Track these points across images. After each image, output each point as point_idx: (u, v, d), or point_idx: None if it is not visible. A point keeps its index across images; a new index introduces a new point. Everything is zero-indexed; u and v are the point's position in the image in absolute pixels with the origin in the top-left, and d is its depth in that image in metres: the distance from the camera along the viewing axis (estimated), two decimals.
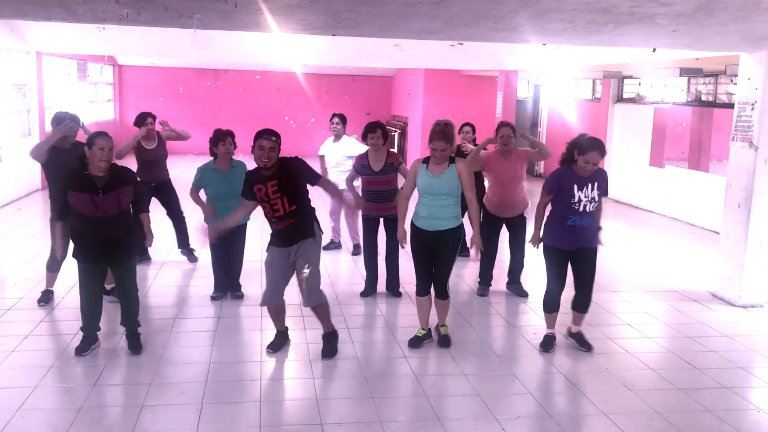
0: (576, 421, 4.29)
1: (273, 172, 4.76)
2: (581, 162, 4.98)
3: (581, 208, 5.05)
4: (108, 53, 15.42)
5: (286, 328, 5.29)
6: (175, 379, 4.68)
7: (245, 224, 6.28)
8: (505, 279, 6.90)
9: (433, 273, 5.30)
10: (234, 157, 6.23)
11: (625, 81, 13.11)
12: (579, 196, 5.03)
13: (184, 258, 7.67)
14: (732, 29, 5.07)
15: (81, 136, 5.92)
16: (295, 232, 4.87)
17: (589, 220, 5.11)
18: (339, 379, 4.77)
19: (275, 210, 4.78)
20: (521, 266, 6.78)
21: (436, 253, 5.23)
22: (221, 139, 6.07)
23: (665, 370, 5.07)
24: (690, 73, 10.74)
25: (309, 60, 13.75)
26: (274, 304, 5.08)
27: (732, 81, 10.09)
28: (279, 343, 5.20)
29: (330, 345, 5.15)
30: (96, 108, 17.10)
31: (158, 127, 7.49)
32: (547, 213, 5.32)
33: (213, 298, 6.34)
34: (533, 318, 6.26)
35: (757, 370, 5.20)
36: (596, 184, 5.06)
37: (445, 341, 5.40)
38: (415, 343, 5.36)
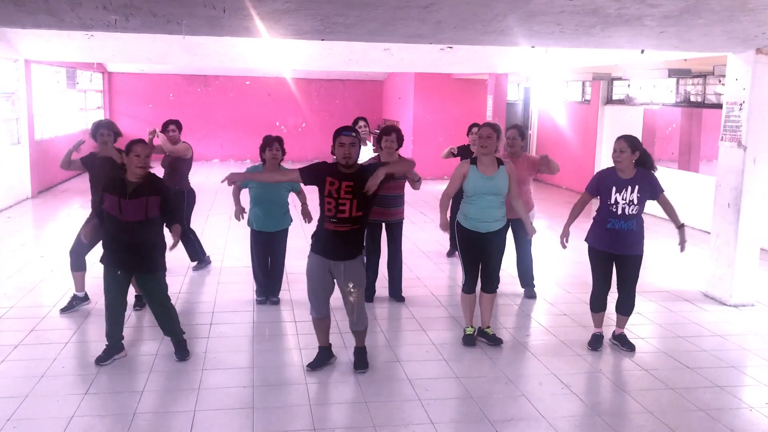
0: (569, 422, 4.29)
1: (352, 173, 4.58)
2: (612, 154, 5.09)
3: (619, 211, 5.07)
4: (97, 60, 15.38)
5: (329, 344, 5.05)
6: (167, 387, 4.66)
7: (287, 229, 6.28)
8: (504, 282, 6.92)
9: (483, 269, 5.41)
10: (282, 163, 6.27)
11: (615, 83, 13.17)
12: (616, 198, 5.07)
13: (179, 265, 7.61)
14: (719, 30, 5.10)
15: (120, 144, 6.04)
16: (348, 242, 4.64)
17: (631, 225, 5.10)
18: (332, 384, 4.76)
19: (340, 210, 4.54)
20: (531, 268, 6.79)
21: (485, 251, 5.34)
22: (268, 145, 6.12)
23: (658, 370, 5.08)
24: (678, 74, 10.80)
25: (299, 65, 13.75)
26: (319, 316, 4.87)
27: (720, 81, 10.15)
28: (320, 361, 4.96)
29: (364, 358, 4.99)
30: (86, 115, 17.03)
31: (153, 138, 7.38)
32: (593, 216, 5.36)
33: (259, 302, 6.36)
34: (526, 320, 6.27)
35: (749, 369, 5.22)
36: (638, 187, 5.06)
37: (495, 339, 5.47)
38: (469, 341, 5.42)
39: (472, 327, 5.51)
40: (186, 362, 5.05)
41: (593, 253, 5.36)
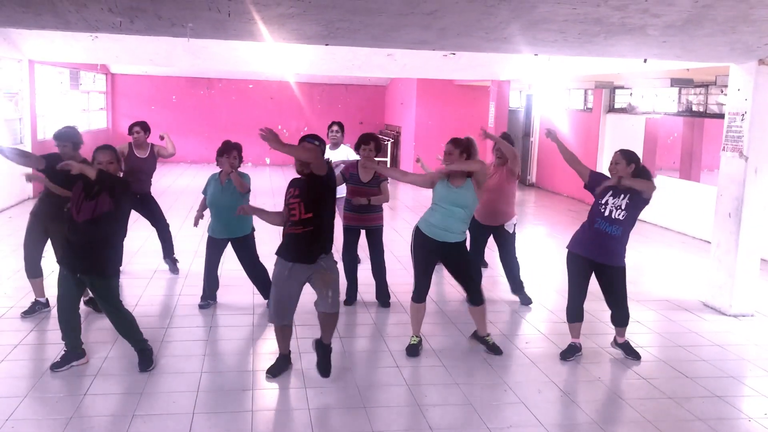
0: (567, 430, 4.29)
1: (306, 177, 4.62)
2: (610, 168, 5.14)
3: (606, 212, 5.11)
4: (101, 62, 15.41)
5: (289, 351, 5.01)
6: (166, 389, 4.66)
7: (247, 236, 6.21)
8: (503, 289, 6.94)
9: (464, 282, 5.44)
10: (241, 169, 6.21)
11: (617, 91, 13.18)
12: (607, 199, 5.13)
13: (181, 267, 7.62)
14: (721, 40, 5.12)
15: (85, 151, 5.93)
16: (304, 243, 4.63)
17: (615, 230, 5.10)
18: (331, 389, 4.76)
19: (292, 214, 4.63)
20: (518, 275, 6.82)
21: (448, 266, 5.38)
22: (226, 152, 6.12)
23: (656, 379, 5.08)
24: (681, 83, 10.80)
25: (302, 69, 13.78)
26: (279, 324, 4.84)
27: (722, 91, 10.16)
28: (279, 368, 4.93)
29: (326, 358, 4.91)
30: (89, 116, 17.06)
31: (158, 140, 7.43)
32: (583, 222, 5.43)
33: (200, 307, 6.34)
34: (525, 327, 6.27)
35: (748, 379, 5.21)
36: (629, 196, 5.08)
37: (495, 349, 5.45)
38: (413, 351, 5.37)
39: (417, 337, 5.45)
40: (184, 365, 5.05)
41: (570, 258, 5.36)
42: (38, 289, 6.08)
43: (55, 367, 4.85)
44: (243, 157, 6.24)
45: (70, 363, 4.90)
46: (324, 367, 4.90)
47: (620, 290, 5.31)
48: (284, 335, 4.92)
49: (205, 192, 6.34)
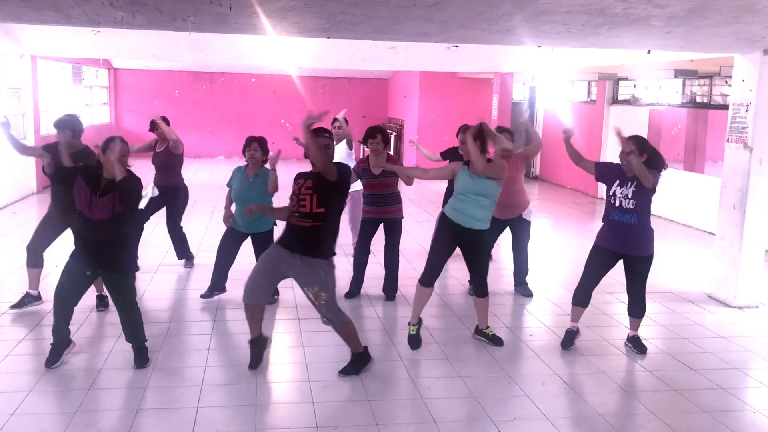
0: (572, 422, 4.29)
1: (318, 171, 4.56)
2: (620, 155, 5.10)
3: (617, 203, 5.12)
4: (103, 56, 15.40)
5: (261, 333, 4.90)
6: (170, 383, 4.67)
7: (268, 231, 6.17)
8: (507, 282, 6.92)
9: (470, 272, 5.46)
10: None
11: (620, 83, 13.14)
12: (615, 191, 5.13)
13: (179, 261, 7.62)
14: (725, 31, 5.08)
15: (88, 141, 5.89)
16: (309, 237, 4.56)
17: (631, 219, 5.07)
18: (335, 382, 4.76)
19: (301, 205, 4.53)
20: (526, 268, 6.82)
21: (466, 251, 5.35)
22: (247, 146, 6.15)
23: (661, 371, 5.07)
24: (685, 74, 10.77)
25: (304, 63, 13.76)
26: (249, 301, 4.74)
27: (726, 82, 10.11)
28: (256, 357, 4.89)
29: (354, 365, 4.85)
30: (92, 111, 17.07)
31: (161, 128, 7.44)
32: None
33: (202, 296, 6.34)
34: (530, 320, 6.26)
35: (753, 371, 5.20)
36: (636, 182, 5.05)
37: (496, 340, 5.46)
38: (415, 343, 5.37)
39: (415, 325, 5.44)
40: (189, 359, 5.06)
41: (595, 250, 5.36)
42: (34, 280, 6.06)
43: (49, 363, 4.81)
44: (268, 149, 6.17)
45: (62, 355, 4.87)
46: (345, 368, 4.84)
47: (640, 279, 5.28)
48: (254, 317, 4.82)
49: (229, 185, 6.28)
